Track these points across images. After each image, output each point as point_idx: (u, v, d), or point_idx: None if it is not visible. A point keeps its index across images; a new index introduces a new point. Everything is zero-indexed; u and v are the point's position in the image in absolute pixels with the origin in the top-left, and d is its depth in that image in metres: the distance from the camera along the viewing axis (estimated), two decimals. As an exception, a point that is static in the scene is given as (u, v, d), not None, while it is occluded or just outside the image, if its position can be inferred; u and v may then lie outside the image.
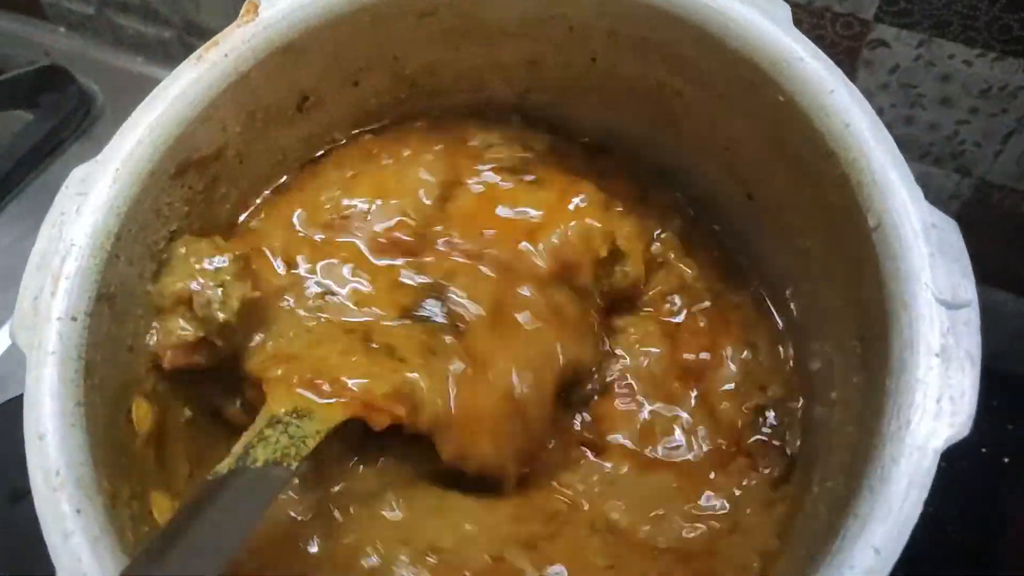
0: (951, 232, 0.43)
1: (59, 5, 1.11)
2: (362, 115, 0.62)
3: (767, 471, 0.54)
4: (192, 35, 1.10)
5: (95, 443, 0.45)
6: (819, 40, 0.58)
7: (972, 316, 0.41)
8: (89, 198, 0.48)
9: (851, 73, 0.51)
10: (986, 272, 0.76)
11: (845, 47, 0.69)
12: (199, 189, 0.55)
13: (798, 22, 0.48)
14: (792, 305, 0.58)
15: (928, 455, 0.39)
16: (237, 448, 0.45)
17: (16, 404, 0.49)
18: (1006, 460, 0.72)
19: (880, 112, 0.47)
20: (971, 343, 0.40)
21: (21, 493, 0.46)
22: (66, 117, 0.97)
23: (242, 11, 0.53)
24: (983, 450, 0.72)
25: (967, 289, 0.41)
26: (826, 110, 0.47)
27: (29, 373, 0.45)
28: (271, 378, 0.49)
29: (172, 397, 0.54)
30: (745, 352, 0.58)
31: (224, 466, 0.45)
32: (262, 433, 0.46)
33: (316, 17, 0.53)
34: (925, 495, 0.38)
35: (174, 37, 1.06)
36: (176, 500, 0.50)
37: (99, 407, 0.46)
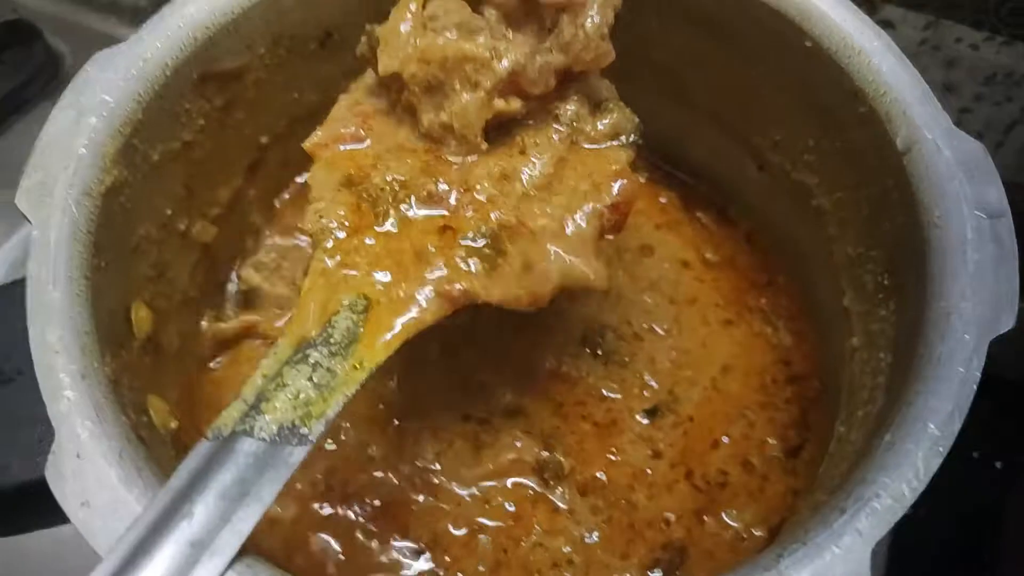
0: (979, 152, 0.44)
1: None
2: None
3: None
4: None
5: (99, 323, 0.42)
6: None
7: (1009, 224, 0.42)
8: (111, 83, 0.47)
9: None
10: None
11: None
12: (217, 105, 0.53)
13: (802, 1, 0.50)
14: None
15: (982, 344, 0.39)
16: (247, 392, 0.37)
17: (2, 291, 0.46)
18: (998, 464, 0.72)
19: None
20: (1012, 246, 0.41)
21: (5, 378, 0.43)
22: (32, 75, 0.92)
23: (280, -65, 0.53)
24: (975, 454, 0.72)
25: (1001, 200, 0.43)
26: (852, 50, 0.49)
27: (37, 242, 0.42)
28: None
29: (168, 314, 0.51)
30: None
31: (227, 423, 0.36)
32: (281, 374, 0.38)
33: (354, -53, 0.53)
34: (980, 370, 0.38)
35: (148, 2, 1.02)
36: (172, 411, 0.47)
37: (104, 291, 0.43)
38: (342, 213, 0.42)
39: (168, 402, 0.47)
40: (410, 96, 0.43)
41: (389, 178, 0.43)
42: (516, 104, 0.43)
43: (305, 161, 0.52)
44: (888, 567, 0.62)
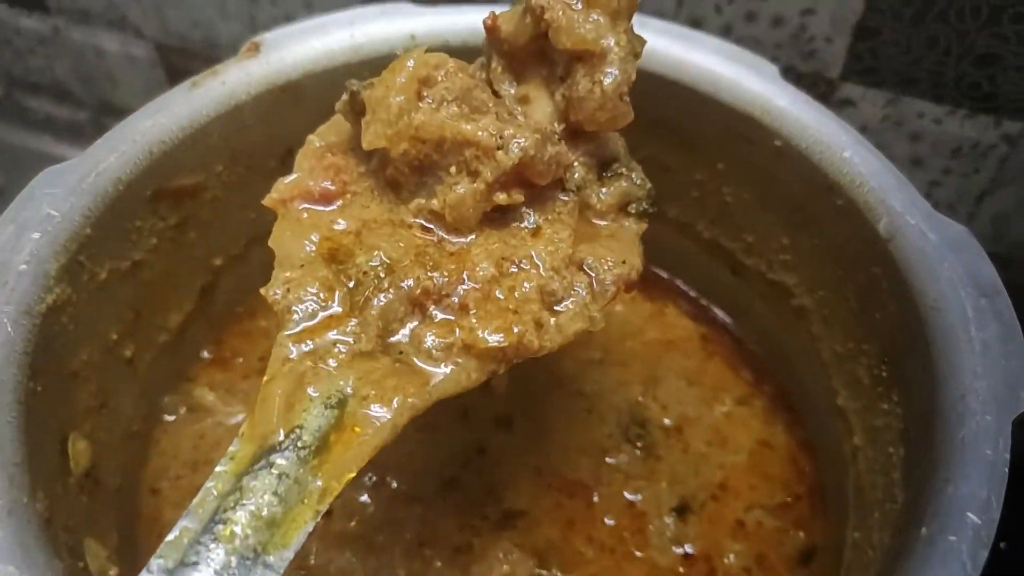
0: (964, 234, 0.44)
1: None
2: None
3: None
4: (108, 116, 1.04)
5: (32, 455, 0.37)
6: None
7: (1007, 301, 0.41)
8: (57, 198, 0.44)
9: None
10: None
11: None
12: (171, 223, 0.50)
13: (760, 82, 0.51)
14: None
15: (1005, 424, 0.36)
16: (197, 510, 0.31)
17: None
18: (1002, 546, 0.68)
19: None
20: (1014, 322, 0.40)
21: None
22: None
23: (243, 49, 0.52)
24: None
25: (994, 278, 0.41)
26: (823, 145, 0.49)
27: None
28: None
29: (110, 447, 0.46)
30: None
31: (170, 556, 0.30)
32: (239, 488, 0.32)
33: (318, 61, 0.53)
34: (1008, 451, 0.35)
35: (88, 119, 1.01)
36: (112, 556, 0.41)
37: (39, 419, 0.39)
38: (315, 291, 0.36)
39: (107, 546, 0.41)
40: (396, 174, 0.39)
41: (376, 262, 0.37)
42: (519, 197, 0.39)
43: (257, 288, 0.50)
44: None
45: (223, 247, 0.56)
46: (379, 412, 0.34)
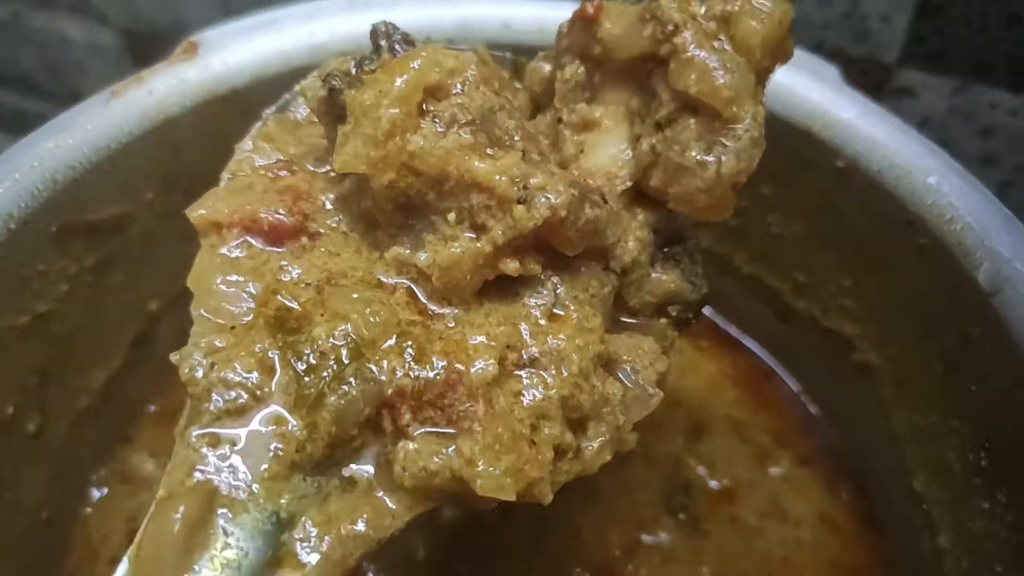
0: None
1: None
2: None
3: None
4: None
5: None
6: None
7: None
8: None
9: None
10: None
11: None
12: (87, 265, 0.41)
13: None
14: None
15: None
16: None
17: None
18: None
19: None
20: None
21: None
22: None
23: (177, 49, 0.43)
24: None
25: None
26: (902, 168, 0.39)
27: None
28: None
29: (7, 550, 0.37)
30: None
31: None
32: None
33: (269, 64, 0.43)
34: None
35: (57, 112, 0.95)
36: None
37: None
38: (246, 374, 0.26)
39: None
40: (373, 209, 0.28)
41: (339, 339, 0.26)
42: (535, 268, 0.28)
43: None
44: None
45: (159, 289, 0.46)
46: (320, 547, 0.24)
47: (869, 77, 0.60)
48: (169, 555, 0.24)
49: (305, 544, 0.25)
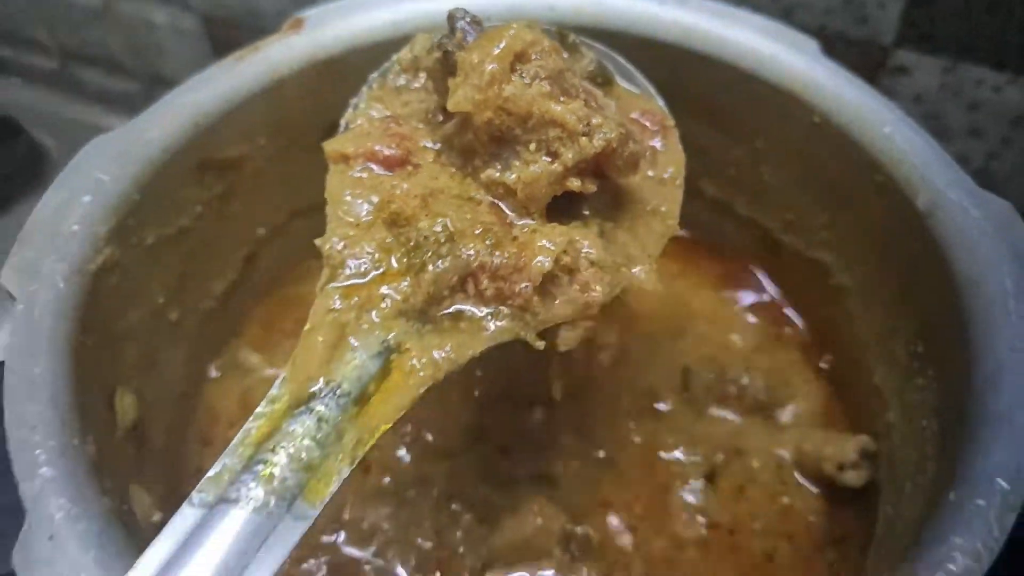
0: (1007, 209, 0.43)
1: (18, 61, 1.08)
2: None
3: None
4: (158, 87, 1.04)
5: (82, 403, 0.38)
6: (833, 68, 0.57)
7: (1049, 276, 0.40)
8: (108, 165, 0.45)
9: (869, 104, 0.51)
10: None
11: (863, 76, 0.57)
12: (216, 193, 0.52)
13: (810, 51, 0.51)
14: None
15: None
16: (238, 448, 0.32)
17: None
18: None
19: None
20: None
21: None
22: (12, 172, 0.88)
23: (285, 25, 0.53)
24: None
25: (1036, 254, 0.41)
26: (862, 120, 0.48)
27: (20, 317, 0.39)
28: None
29: (157, 407, 0.48)
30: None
31: (212, 489, 0.31)
32: (279, 429, 0.32)
33: (360, 37, 0.54)
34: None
35: (139, 90, 1.04)
36: (157, 504, 0.42)
37: (89, 371, 0.40)
38: (371, 251, 0.37)
39: (152, 494, 0.43)
40: (474, 142, 0.39)
41: (439, 228, 0.37)
42: (591, 187, 0.38)
43: (305, 255, 0.51)
44: None
45: (266, 218, 0.57)
46: (418, 366, 0.35)
47: (869, 57, 0.66)
48: (315, 362, 0.34)
49: (406, 362, 0.35)
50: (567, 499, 0.50)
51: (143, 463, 0.44)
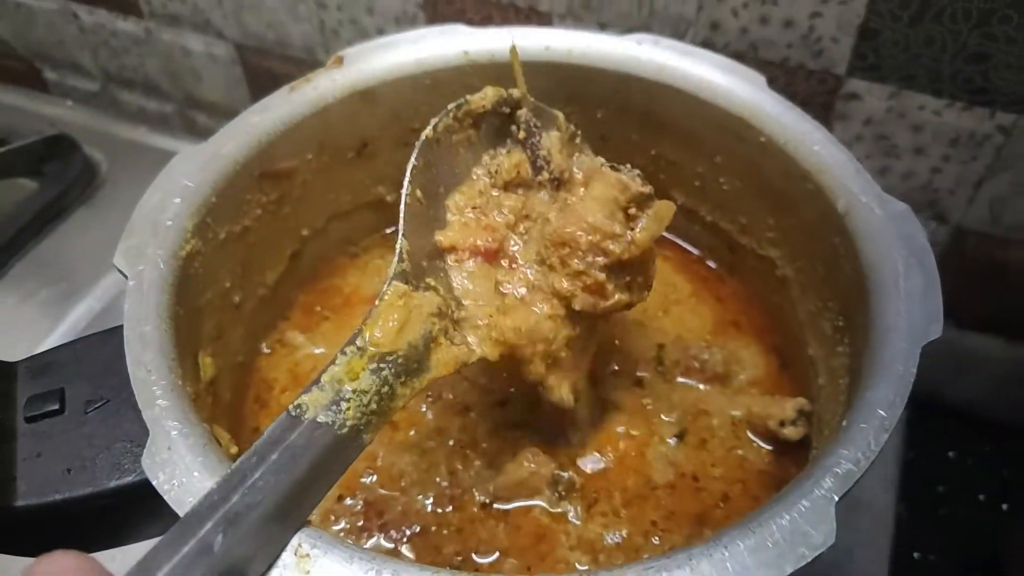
0: (906, 211, 0.54)
1: (63, 83, 1.19)
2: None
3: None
4: (192, 108, 1.16)
5: (180, 355, 0.49)
6: (794, 96, 0.67)
7: (931, 258, 0.51)
8: (192, 172, 0.57)
9: (826, 126, 0.61)
10: (970, 318, 0.80)
11: (820, 102, 0.73)
12: (271, 198, 0.63)
13: (775, 79, 0.62)
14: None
15: (915, 349, 0.47)
16: (330, 383, 0.42)
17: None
18: (1004, 507, 0.76)
19: (856, 163, 0.58)
20: (935, 274, 0.50)
21: (94, 404, 0.50)
22: (70, 185, 0.97)
23: (329, 61, 0.65)
24: (980, 497, 0.76)
25: (923, 242, 0.52)
26: (797, 140, 0.60)
27: (132, 291, 0.50)
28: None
29: (224, 370, 0.59)
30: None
31: (310, 407, 0.41)
32: (359, 379, 0.42)
33: (390, 71, 0.65)
34: (915, 367, 0.46)
35: (175, 111, 1.14)
36: (232, 441, 0.53)
37: (182, 334, 0.51)
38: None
39: (230, 433, 0.54)
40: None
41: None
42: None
43: (335, 255, 0.63)
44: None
45: (309, 221, 0.68)
46: (472, 341, 0.48)
47: (825, 85, 0.76)
48: (392, 333, 0.44)
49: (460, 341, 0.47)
50: (557, 450, 0.60)
51: (217, 413, 0.55)
